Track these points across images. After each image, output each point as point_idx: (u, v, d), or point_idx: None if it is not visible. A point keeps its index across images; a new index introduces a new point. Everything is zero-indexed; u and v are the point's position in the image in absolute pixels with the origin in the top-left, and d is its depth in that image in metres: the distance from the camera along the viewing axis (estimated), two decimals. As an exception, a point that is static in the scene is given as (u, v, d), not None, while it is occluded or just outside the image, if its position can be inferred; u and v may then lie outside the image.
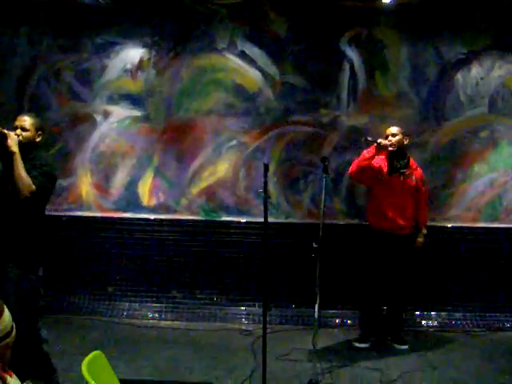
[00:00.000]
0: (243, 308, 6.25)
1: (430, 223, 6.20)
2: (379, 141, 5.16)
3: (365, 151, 5.23)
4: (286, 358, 5.19)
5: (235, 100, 6.26)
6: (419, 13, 6.14)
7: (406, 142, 5.46)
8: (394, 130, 5.41)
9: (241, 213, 6.22)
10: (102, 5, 6.21)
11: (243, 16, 6.21)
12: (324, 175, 4.78)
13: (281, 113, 6.25)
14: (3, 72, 6.34)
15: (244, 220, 6.26)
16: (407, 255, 5.53)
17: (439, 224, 6.27)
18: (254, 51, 6.22)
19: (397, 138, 5.35)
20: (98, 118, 6.30)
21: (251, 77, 6.25)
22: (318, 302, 4.81)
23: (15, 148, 3.97)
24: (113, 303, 6.28)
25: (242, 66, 6.24)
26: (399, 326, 5.67)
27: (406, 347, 5.51)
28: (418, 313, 6.25)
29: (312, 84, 6.25)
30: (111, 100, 6.32)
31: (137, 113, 6.32)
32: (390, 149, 5.29)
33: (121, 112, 6.32)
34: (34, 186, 3.96)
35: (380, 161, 5.37)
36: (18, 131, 4.08)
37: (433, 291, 6.26)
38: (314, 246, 4.79)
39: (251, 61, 6.23)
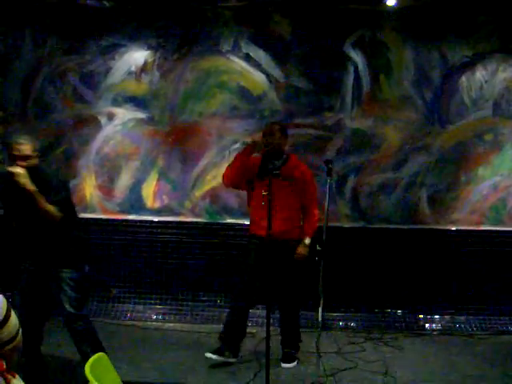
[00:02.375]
0: (247, 310, 6.29)
1: (433, 226, 6.31)
2: (251, 140, 5.04)
3: (234, 161, 5.03)
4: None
5: (239, 102, 6.31)
6: (423, 15, 6.17)
7: (283, 143, 5.05)
8: (272, 129, 5.01)
9: (244, 215, 6.25)
10: (107, 7, 6.26)
11: (248, 18, 6.25)
12: (328, 178, 4.81)
13: (285, 115, 6.28)
14: (8, 73, 6.40)
15: (247, 222, 6.27)
16: (287, 263, 5.01)
17: (443, 227, 6.32)
18: (258, 54, 6.27)
19: (274, 137, 4.96)
20: (103, 120, 6.36)
21: (255, 79, 6.30)
22: (321, 304, 4.83)
23: (30, 186, 4.05)
24: (116, 305, 6.33)
25: (247, 69, 6.29)
26: (294, 340, 5.28)
27: (292, 365, 5.15)
28: (421, 316, 6.28)
29: (316, 87, 6.29)
30: (116, 102, 6.37)
31: (141, 115, 6.37)
32: (266, 149, 4.93)
33: (125, 114, 6.38)
34: (59, 213, 4.19)
35: (254, 163, 5.00)
36: (20, 164, 4.06)
37: (436, 294, 6.28)
38: (318, 248, 4.81)
39: (256, 63, 6.28)
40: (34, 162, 4.17)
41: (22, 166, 4.07)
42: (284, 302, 5.21)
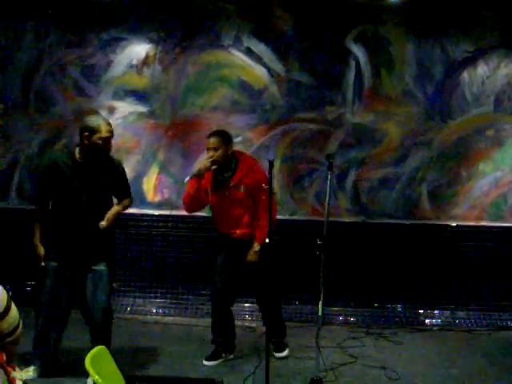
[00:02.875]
0: (247, 305, 6.30)
1: (434, 222, 6.34)
2: (197, 170, 4.83)
3: (188, 188, 4.96)
4: (290, 354, 5.26)
5: (241, 96, 6.33)
6: (425, 10, 6.18)
7: (229, 151, 4.95)
8: (214, 143, 4.85)
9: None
10: (108, 0, 6.27)
11: (249, 12, 6.26)
12: (328, 172, 4.82)
13: (286, 110, 6.31)
14: (9, 66, 6.40)
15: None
16: (247, 262, 5.06)
17: (443, 222, 6.34)
18: (259, 48, 6.27)
19: (219, 152, 4.82)
20: (104, 113, 6.32)
21: (257, 73, 6.30)
22: (321, 299, 4.83)
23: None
24: (117, 299, 6.33)
25: (248, 63, 6.29)
26: (278, 328, 5.33)
27: (285, 354, 5.28)
28: (421, 311, 6.32)
29: (317, 81, 6.30)
30: (117, 96, 6.38)
31: (142, 109, 6.38)
32: (214, 167, 4.83)
33: (126, 108, 6.39)
34: (130, 203, 4.82)
35: (206, 180, 4.95)
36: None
37: (436, 290, 6.32)
38: (319, 243, 4.82)
39: (257, 57, 6.28)
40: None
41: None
42: (261, 294, 5.22)
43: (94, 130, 4.31)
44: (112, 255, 4.65)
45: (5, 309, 2.25)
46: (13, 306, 2.33)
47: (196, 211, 5.21)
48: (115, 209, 4.51)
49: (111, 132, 4.44)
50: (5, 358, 2.35)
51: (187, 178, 4.81)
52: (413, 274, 6.30)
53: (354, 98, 6.31)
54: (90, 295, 4.47)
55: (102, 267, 4.48)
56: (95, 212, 4.41)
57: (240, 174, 4.91)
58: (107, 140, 4.39)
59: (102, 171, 4.47)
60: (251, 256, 4.98)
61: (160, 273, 6.44)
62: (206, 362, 5.06)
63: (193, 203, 5.01)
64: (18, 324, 2.38)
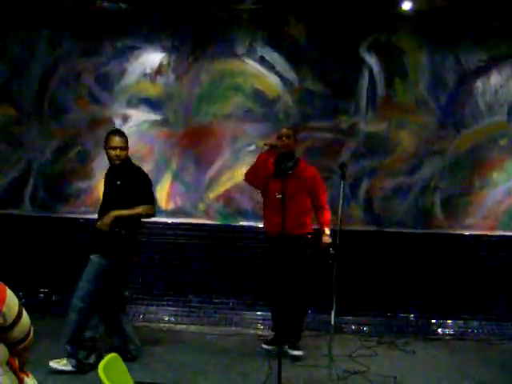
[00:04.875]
0: (259, 313, 6.37)
1: (447, 231, 6.36)
2: (270, 142, 5.25)
3: (257, 159, 5.33)
4: (302, 363, 5.29)
5: (254, 105, 6.42)
6: (439, 20, 6.24)
7: (295, 146, 5.47)
8: (288, 132, 5.36)
9: (258, 218, 6.34)
10: (122, 9, 6.38)
11: (263, 21, 6.35)
12: (342, 181, 4.89)
13: (299, 118, 6.39)
14: (24, 74, 6.53)
15: (261, 225, 6.34)
16: (299, 257, 5.31)
17: (456, 232, 6.38)
18: (273, 57, 6.37)
19: (289, 141, 5.32)
20: (117, 121, 6.47)
21: (270, 82, 6.40)
22: (334, 307, 4.89)
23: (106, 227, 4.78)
24: (129, 306, 6.41)
25: (261, 72, 6.39)
26: (296, 330, 5.52)
27: (300, 353, 5.43)
28: (434, 320, 6.34)
29: (331, 90, 6.38)
30: (130, 104, 6.50)
31: (156, 117, 6.49)
32: (283, 150, 5.25)
33: (140, 116, 6.50)
34: (151, 211, 4.97)
35: (269, 164, 5.30)
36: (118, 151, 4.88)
37: (449, 299, 6.34)
38: (331, 252, 4.90)
39: (270, 66, 6.38)
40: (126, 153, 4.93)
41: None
42: (295, 295, 5.36)
43: (106, 140, 4.96)
44: (112, 252, 4.86)
45: (16, 316, 2.32)
46: (24, 313, 2.38)
47: (252, 184, 5.56)
48: (115, 212, 4.76)
49: (120, 143, 4.90)
50: (17, 364, 2.42)
51: (266, 147, 5.16)
52: (425, 283, 6.33)
53: (367, 107, 6.38)
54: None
55: (93, 257, 4.84)
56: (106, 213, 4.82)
57: (302, 166, 5.38)
58: (115, 149, 4.85)
59: (118, 177, 4.87)
60: (325, 238, 5.34)
61: (172, 281, 6.52)
62: (264, 346, 5.54)
63: (255, 173, 5.37)
64: (29, 331, 2.45)
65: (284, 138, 5.30)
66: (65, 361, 4.76)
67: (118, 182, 4.85)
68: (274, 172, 5.27)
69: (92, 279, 4.77)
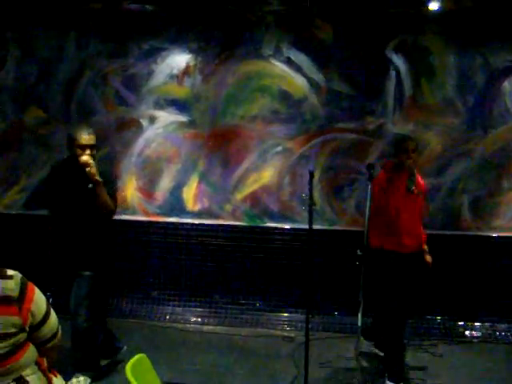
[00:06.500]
0: (286, 314, 6.46)
1: (474, 232, 6.40)
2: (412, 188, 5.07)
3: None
4: (328, 365, 5.36)
5: (281, 106, 6.47)
6: (466, 20, 6.25)
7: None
8: (416, 145, 5.14)
9: (285, 219, 6.42)
10: (149, 11, 6.48)
11: (289, 22, 6.40)
12: (369, 183, 4.92)
13: (326, 119, 6.43)
14: (51, 76, 6.65)
15: (288, 226, 6.46)
16: (417, 274, 5.29)
17: (484, 233, 6.40)
18: (299, 58, 6.42)
19: (416, 153, 5.15)
20: (144, 122, 6.57)
21: (297, 83, 6.45)
22: (361, 310, 4.93)
23: (98, 177, 4.47)
24: (156, 307, 6.54)
25: (288, 73, 6.44)
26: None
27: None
28: (461, 323, 6.36)
29: (357, 91, 6.41)
30: (157, 105, 6.58)
31: (183, 118, 6.57)
32: (414, 166, 5.13)
33: (167, 117, 6.58)
34: (113, 207, 4.64)
35: (398, 180, 5.08)
36: (88, 153, 4.52)
37: (477, 301, 6.37)
38: (359, 253, 4.93)
39: (297, 67, 6.42)
40: (94, 153, 4.61)
41: (89, 155, 4.49)
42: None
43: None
44: (99, 262, 4.81)
45: (44, 315, 2.40)
46: (52, 312, 2.46)
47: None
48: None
49: (86, 140, 4.60)
50: (46, 364, 2.49)
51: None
52: (453, 285, 6.36)
53: (394, 108, 6.41)
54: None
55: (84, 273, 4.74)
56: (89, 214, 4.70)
57: (419, 180, 5.20)
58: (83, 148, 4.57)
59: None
60: (430, 257, 5.34)
61: (199, 281, 6.61)
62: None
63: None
64: (58, 330, 2.52)
65: (413, 154, 5.05)
66: (81, 376, 4.77)
67: (90, 186, 4.62)
68: (406, 189, 5.07)
69: (86, 295, 4.71)
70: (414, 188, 5.04)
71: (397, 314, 5.09)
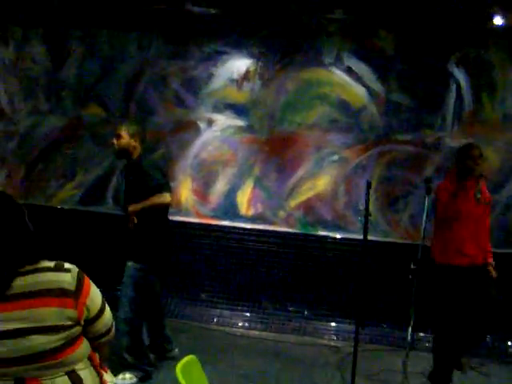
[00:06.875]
0: (333, 324, 6.44)
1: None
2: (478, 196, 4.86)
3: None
4: (375, 378, 5.32)
5: (339, 115, 6.49)
6: (530, 35, 6.20)
7: None
8: (481, 151, 4.98)
9: (338, 228, 6.41)
10: (212, 14, 6.54)
11: (351, 32, 6.42)
12: (426, 196, 4.90)
13: (384, 130, 6.43)
14: (112, 75, 6.77)
15: (340, 236, 6.46)
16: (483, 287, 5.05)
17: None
18: (360, 67, 6.43)
19: (483, 160, 5.00)
20: (202, 125, 6.63)
21: (356, 92, 6.46)
22: (411, 323, 4.90)
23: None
24: (204, 309, 6.58)
25: (348, 82, 6.45)
26: None
27: None
28: (510, 343, 6.29)
29: (417, 103, 6.40)
30: (216, 108, 6.65)
31: (240, 123, 6.62)
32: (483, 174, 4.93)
33: (224, 121, 6.64)
34: (160, 201, 4.73)
35: (469, 185, 4.90)
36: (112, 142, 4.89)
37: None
38: (412, 267, 4.92)
39: (357, 77, 6.44)
40: (124, 143, 4.83)
41: (113, 143, 4.85)
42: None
43: None
44: (143, 255, 4.85)
45: (99, 310, 2.44)
46: (107, 307, 2.49)
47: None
48: (130, 207, 4.72)
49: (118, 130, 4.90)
50: (98, 360, 2.53)
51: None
52: (503, 303, 6.28)
53: (453, 122, 6.38)
54: None
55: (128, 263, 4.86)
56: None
57: (483, 188, 4.98)
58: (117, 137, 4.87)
59: (130, 172, 4.90)
60: (495, 271, 5.09)
61: (248, 286, 6.64)
62: None
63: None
64: (111, 326, 2.56)
65: (479, 161, 4.92)
66: (127, 374, 4.79)
67: (131, 178, 4.84)
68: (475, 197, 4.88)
69: (129, 287, 4.78)
70: (480, 196, 4.85)
71: (449, 332, 5.00)
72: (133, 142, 4.82)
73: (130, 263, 4.78)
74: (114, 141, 4.84)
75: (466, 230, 4.89)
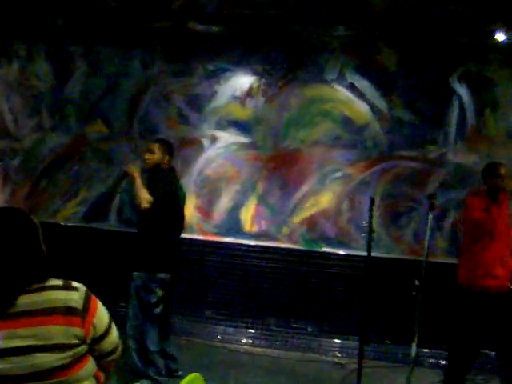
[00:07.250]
0: (337, 341, 6.42)
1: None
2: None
3: None
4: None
5: (342, 132, 6.51)
6: (533, 52, 6.22)
7: None
8: (506, 169, 4.71)
9: (341, 245, 6.42)
10: (214, 32, 6.59)
11: (353, 48, 6.47)
12: (430, 212, 4.91)
13: (387, 147, 6.45)
14: (116, 92, 6.82)
15: (343, 252, 6.46)
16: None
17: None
18: (363, 84, 6.46)
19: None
20: (206, 142, 6.67)
21: (359, 109, 6.49)
22: (416, 340, 4.90)
23: (134, 170, 4.96)
24: (208, 326, 6.58)
25: (351, 98, 6.48)
26: None
27: None
28: (515, 359, 6.27)
29: (420, 119, 6.42)
30: (219, 126, 6.69)
31: (244, 139, 6.66)
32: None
33: (228, 138, 6.68)
34: (141, 200, 4.83)
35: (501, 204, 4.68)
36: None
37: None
38: (416, 283, 4.91)
39: (360, 93, 6.47)
40: (157, 158, 5.00)
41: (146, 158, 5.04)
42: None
43: None
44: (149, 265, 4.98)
45: (106, 329, 2.45)
46: (113, 326, 2.51)
47: None
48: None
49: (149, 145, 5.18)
50: (103, 378, 2.54)
51: None
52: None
53: (456, 138, 6.39)
54: None
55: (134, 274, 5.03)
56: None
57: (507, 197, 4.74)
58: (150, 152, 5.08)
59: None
60: None
61: (252, 303, 6.63)
62: None
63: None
64: (118, 345, 2.57)
65: (506, 179, 4.67)
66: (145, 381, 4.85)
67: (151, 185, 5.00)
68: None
69: (133, 296, 4.95)
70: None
71: (466, 355, 4.86)
72: (165, 159, 5.05)
73: (134, 273, 4.93)
74: (147, 156, 5.02)
75: (497, 249, 4.67)
